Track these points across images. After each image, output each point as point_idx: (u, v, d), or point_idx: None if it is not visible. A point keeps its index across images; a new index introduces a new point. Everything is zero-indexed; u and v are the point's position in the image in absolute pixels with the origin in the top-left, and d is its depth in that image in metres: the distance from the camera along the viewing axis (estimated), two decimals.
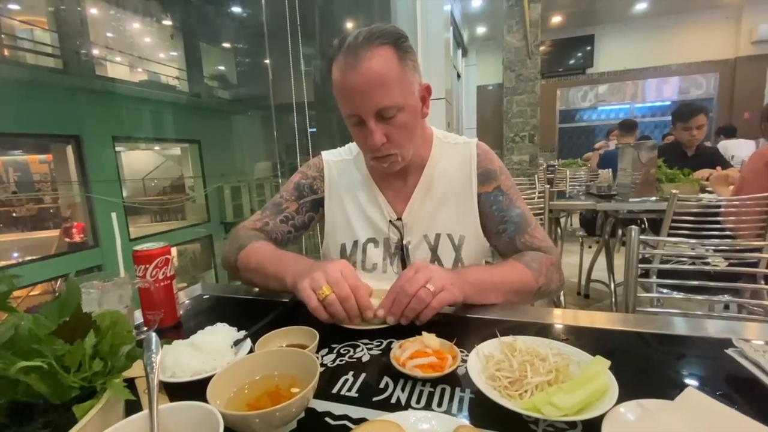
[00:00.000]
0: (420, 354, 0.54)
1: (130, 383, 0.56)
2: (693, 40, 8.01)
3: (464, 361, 0.55)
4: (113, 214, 0.62)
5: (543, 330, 0.67)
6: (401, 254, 0.93)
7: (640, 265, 0.90)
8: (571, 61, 8.76)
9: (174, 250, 8.56)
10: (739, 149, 4.13)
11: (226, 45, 9.98)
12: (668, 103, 8.36)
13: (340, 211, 0.97)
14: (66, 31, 6.26)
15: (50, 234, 7.29)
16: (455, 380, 0.52)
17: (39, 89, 5.75)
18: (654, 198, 2.22)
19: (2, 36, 5.80)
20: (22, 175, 8.72)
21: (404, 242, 0.92)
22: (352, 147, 1.02)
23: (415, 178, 0.93)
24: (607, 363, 0.48)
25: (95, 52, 7.03)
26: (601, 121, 8.69)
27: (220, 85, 9.76)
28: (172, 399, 0.52)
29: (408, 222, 0.92)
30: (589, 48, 8.58)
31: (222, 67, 10.05)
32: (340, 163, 1.00)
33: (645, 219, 2.68)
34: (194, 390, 0.51)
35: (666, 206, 1.91)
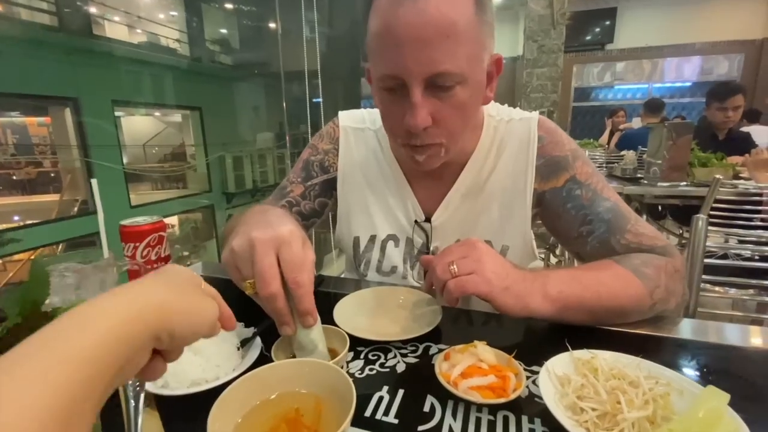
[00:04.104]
0: (474, 371, 0.43)
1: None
2: (720, 18, 7.60)
3: (526, 378, 0.44)
4: (93, 181, 0.50)
5: (617, 340, 0.55)
6: None
7: (706, 261, 0.79)
8: (589, 37, 8.36)
9: (175, 219, 8.51)
10: (760, 136, 3.95)
11: (229, 6, 9.55)
12: (688, 83, 8.03)
13: (357, 197, 0.78)
14: None
15: (50, 198, 7.21)
16: (519, 406, 0.42)
17: (34, 48, 5.51)
18: (684, 183, 2.09)
19: None
20: (20, 138, 8.52)
21: (431, 248, 0.75)
22: (377, 115, 0.76)
23: (454, 172, 0.71)
24: (726, 397, 0.37)
25: (92, 9, 6.71)
26: (617, 101, 8.36)
27: (222, 50, 9.40)
28: (164, 414, 0.42)
29: (438, 225, 0.74)
30: (609, 22, 8.16)
31: (224, 31, 9.66)
32: (360, 133, 0.78)
33: (667, 206, 2.56)
34: (191, 404, 0.41)
35: (698, 192, 1.77)
